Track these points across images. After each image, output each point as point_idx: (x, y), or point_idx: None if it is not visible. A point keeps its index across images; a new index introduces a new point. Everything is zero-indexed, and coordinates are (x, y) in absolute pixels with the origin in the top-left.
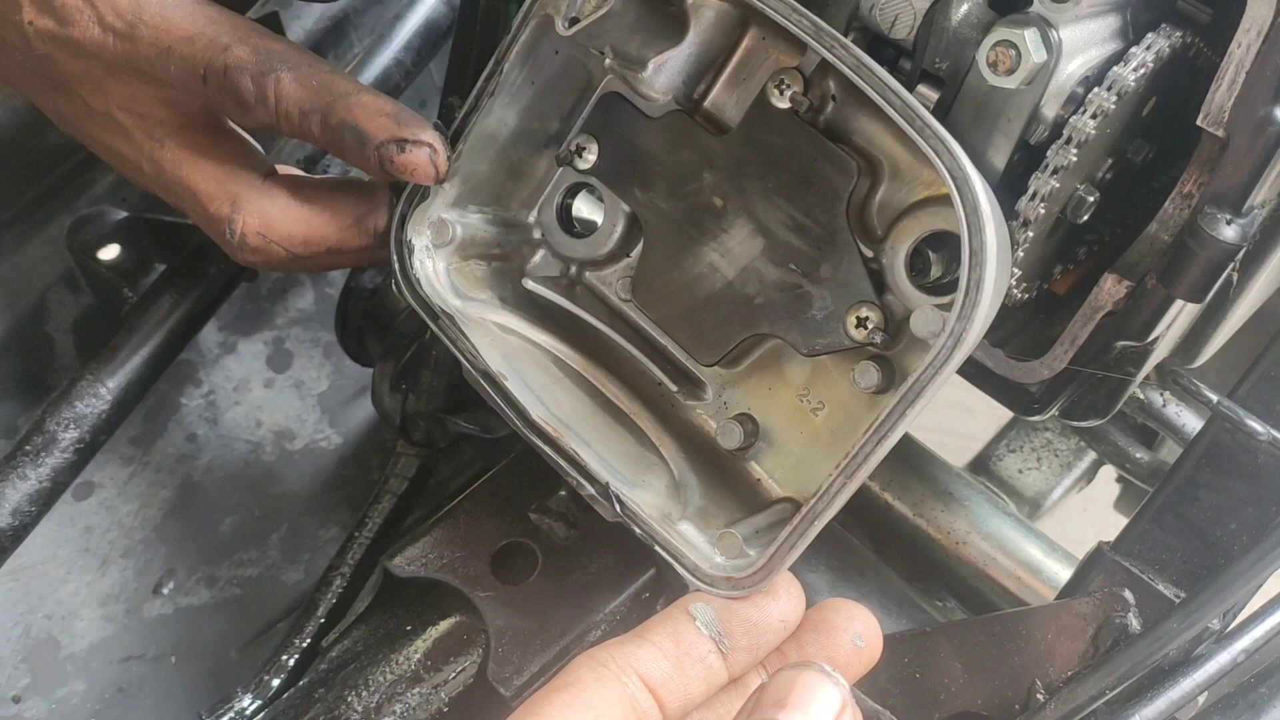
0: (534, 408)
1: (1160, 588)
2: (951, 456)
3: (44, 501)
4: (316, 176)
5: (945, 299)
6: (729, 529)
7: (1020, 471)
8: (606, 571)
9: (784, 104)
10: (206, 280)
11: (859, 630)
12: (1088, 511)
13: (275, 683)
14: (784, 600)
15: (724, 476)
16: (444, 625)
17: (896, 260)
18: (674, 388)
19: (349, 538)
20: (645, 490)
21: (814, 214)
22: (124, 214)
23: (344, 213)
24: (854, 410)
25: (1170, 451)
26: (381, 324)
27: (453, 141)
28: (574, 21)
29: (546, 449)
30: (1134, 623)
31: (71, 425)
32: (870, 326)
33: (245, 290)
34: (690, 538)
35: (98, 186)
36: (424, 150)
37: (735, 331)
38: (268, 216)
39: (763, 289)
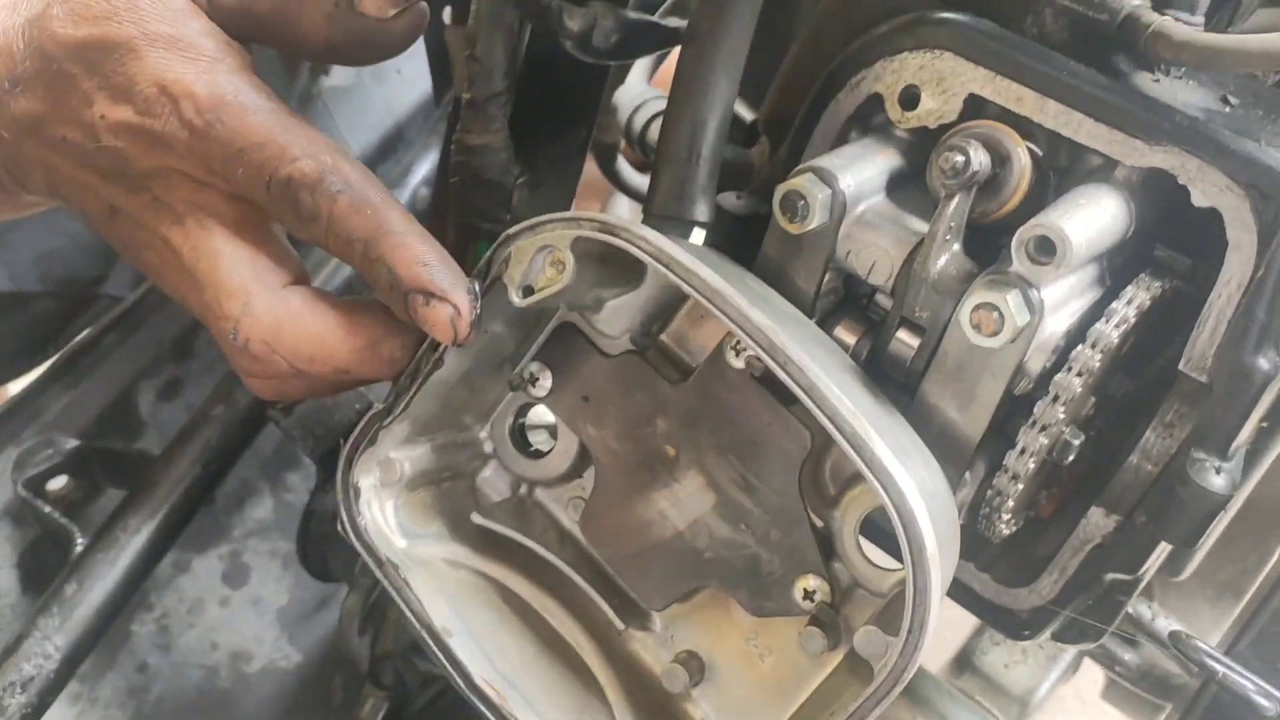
0: (477, 667)
1: None
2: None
3: None
4: (342, 298)
5: (895, 570)
6: None
7: (1006, 666)
8: None
9: (739, 364)
10: (161, 516)
11: None
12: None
13: None
14: None
15: (665, 718)
16: None
17: (846, 530)
18: (620, 626)
19: None
20: None
21: (766, 478)
22: (74, 442)
23: (360, 333)
24: (800, 664)
25: (1155, 653)
26: (345, 545)
27: (405, 393)
28: (527, 291)
29: (490, 716)
30: None
31: (19, 689)
32: (817, 600)
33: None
34: None
35: (45, 414)
36: (447, 310)
37: (683, 581)
38: (278, 325)
39: (712, 544)
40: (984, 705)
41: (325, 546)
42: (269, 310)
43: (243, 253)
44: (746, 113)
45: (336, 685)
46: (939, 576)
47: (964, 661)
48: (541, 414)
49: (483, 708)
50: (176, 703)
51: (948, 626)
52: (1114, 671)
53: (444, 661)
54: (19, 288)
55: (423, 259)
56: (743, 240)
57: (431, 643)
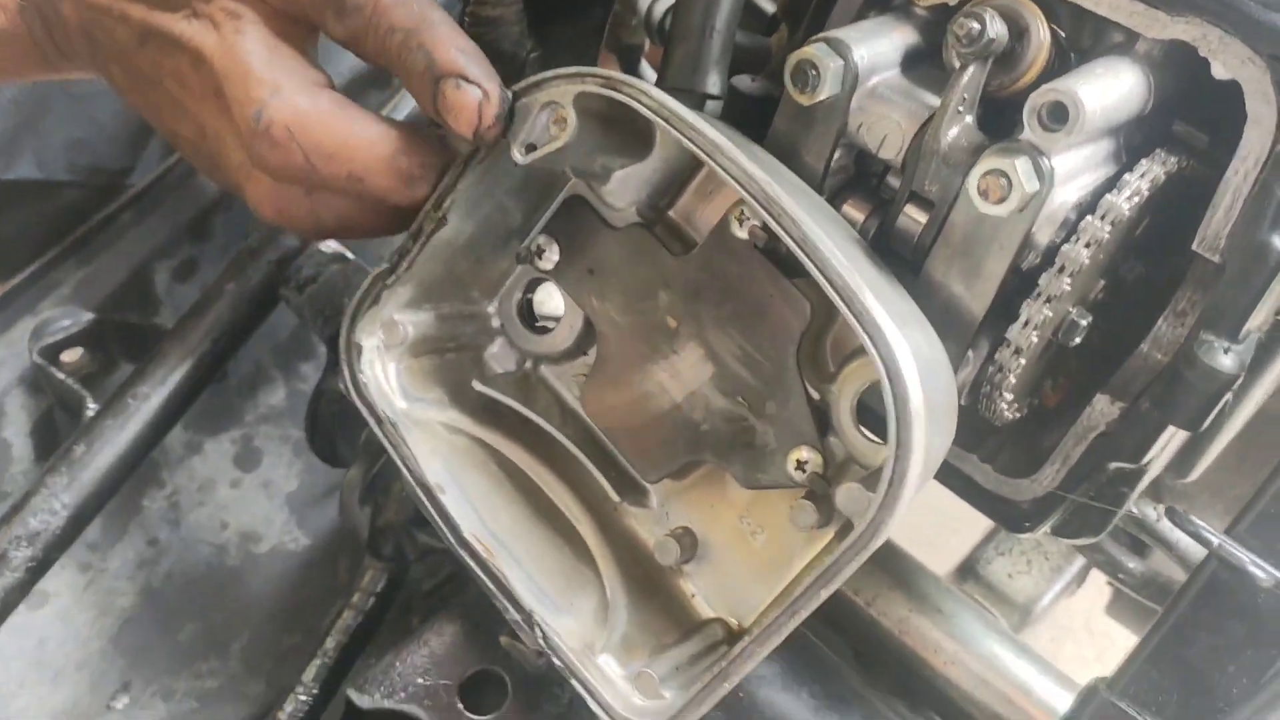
0: (467, 523)
1: None
2: (947, 537)
3: None
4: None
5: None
6: (647, 668)
7: (1010, 576)
8: (579, 703)
9: (743, 234)
10: (172, 386)
11: None
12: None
13: None
14: None
15: (656, 591)
16: None
17: (843, 402)
18: (617, 499)
19: (311, 655)
20: (571, 616)
21: (765, 350)
22: (89, 315)
23: (383, 142)
24: (791, 541)
25: (1161, 560)
26: (352, 427)
27: (409, 252)
28: (530, 148)
29: (476, 569)
30: None
31: (24, 543)
32: (809, 471)
33: (213, 387)
34: (609, 672)
35: (63, 287)
36: (477, 93)
37: (679, 454)
38: (303, 114)
39: (709, 416)
40: (984, 604)
41: (333, 427)
42: (298, 100)
43: (278, 55)
44: (768, 4)
45: (342, 567)
46: (923, 434)
47: (967, 570)
48: (552, 308)
49: (470, 562)
50: (185, 576)
51: (952, 537)
52: (1118, 579)
53: (434, 515)
54: (47, 176)
55: (461, 47)
56: (757, 125)
57: (424, 496)
